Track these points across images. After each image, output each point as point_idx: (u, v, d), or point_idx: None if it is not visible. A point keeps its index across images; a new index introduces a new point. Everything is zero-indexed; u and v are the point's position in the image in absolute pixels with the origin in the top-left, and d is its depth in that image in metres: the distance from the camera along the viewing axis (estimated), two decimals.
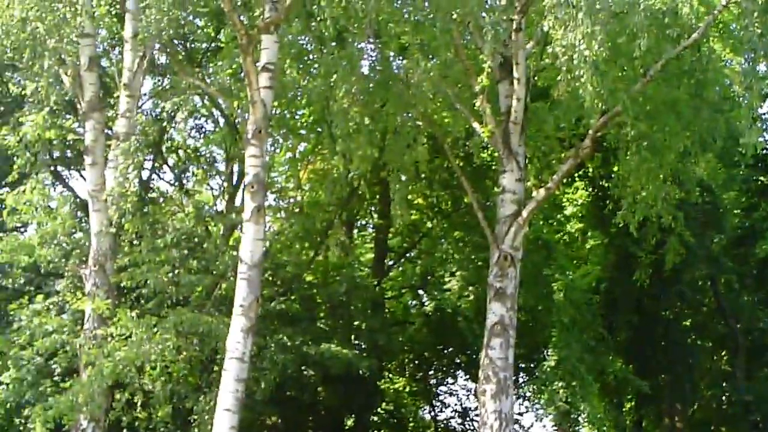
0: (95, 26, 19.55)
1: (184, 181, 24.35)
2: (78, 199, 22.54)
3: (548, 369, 24.55)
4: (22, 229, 23.20)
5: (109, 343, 17.65)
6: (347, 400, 24.26)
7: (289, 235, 23.54)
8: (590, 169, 26.30)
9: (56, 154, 22.50)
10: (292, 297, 22.18)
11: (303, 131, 24.91)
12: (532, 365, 28.64)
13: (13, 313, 19.71)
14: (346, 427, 26.57)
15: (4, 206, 20.24)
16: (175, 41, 21.88)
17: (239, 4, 18.59)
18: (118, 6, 20.25)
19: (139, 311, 18.28)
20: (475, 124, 18.70)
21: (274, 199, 25.02)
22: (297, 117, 24.65)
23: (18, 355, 19.30)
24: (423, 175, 24.07)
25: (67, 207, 20.65)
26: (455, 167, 21.14)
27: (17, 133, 19.38)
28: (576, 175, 25.89)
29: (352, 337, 24.64)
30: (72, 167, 23.89)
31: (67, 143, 21.85)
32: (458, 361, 30.48)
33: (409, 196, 23.47)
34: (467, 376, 30.57)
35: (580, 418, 26.09)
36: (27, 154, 19.37)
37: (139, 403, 18.60)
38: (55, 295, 19.74)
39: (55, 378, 19.09)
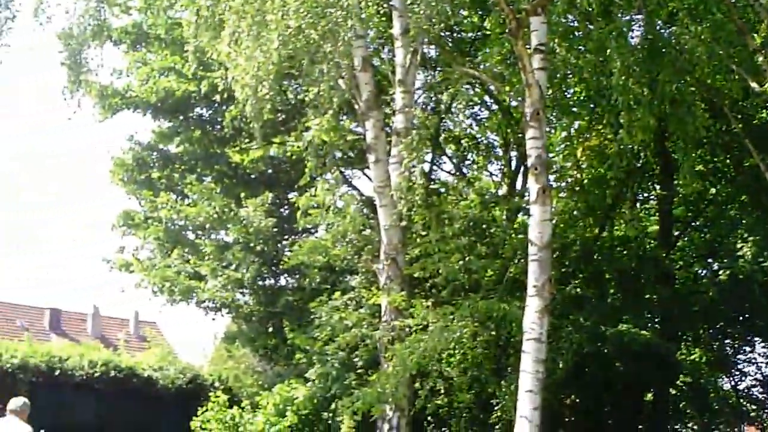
0: (365, 27, 19.96)
1: (464, 170, 24.66)
2: (363, 197, 23.16)
3: None
4: (313, 230, 24.02)
5: (407, 334, 18.01)
6: (645, 375, 23.91)
7: (574, 214, 23.47)
8: None
9: (338, 154, 23.10)
10: (581, 275, 22.11)
11: (575, 109, 24.76)
12: None
13: (314, 311, 20.43)
14: (646, 401, 26.21)
15: (297, 209, 21.05)
16: (443, 33, 22.12)
17: None
18: (384, 5, 20.66)
19: (433, 301, 18.57)
20: (753, 84, 18.10)
21: (554, 179, 25.03)
22: (568, 95, 24.52)
23: (322, 351, 20.02)
24: (704, 141, 23.49)
25: (354, 205, 21.25)
26: (737, 129, 20.55)
27: (304, 138, 20.08)
28: None
29: (644, 311, 24.31)
30: (354, 166, 24.51)
31: (349, 144, 22.41)
32: (755, 328, 29.55)
33: None
34: (765, 343, 29.65)
35: None
36: (313, 158, 20.05)
37: (441, 391, 18.94)
38: (351, 291, 20.33)
39: (359, 371, 19.67)
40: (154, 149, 26.39)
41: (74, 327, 59.33)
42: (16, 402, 15.01)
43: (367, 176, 22.66)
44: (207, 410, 21.21)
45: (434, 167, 23.71)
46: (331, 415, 20.22)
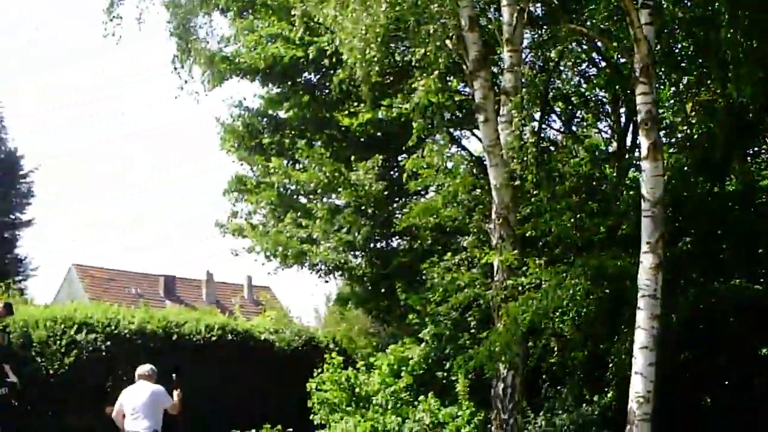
0: None
1: (573, 128, 24.48)
2: (472, 157, 23.16)
3: None
4: (423, 192, 24.14)
5: (520, 293, 18.06)
6: (759, 330, 23.61)
7: (685, 169, 23.20)
8: None
9: (447, 115, 23.08)
10: (693, 231, 21.86)
11: (684, 64, 24.41)
12: None
13: (426, 272, 20.58)
14: (761, 356, 25.88)
15: (404, 172, 21.20)
16: None
17: None
18: None
19: (546, 259, 18.56)
20: None
21: (664, 135, 24.71)
22: (676, 50, 24.19)
23: (434, 311, 20.18)
24: None
25: (463, 166, 21.31)
26: None
27: (410, 99, 20.17)
28: None
29: (758, 266, 23.94)
30: (462, 127, 24.47)
31: (456, 104, 22.41)
32: None
33: None
34: None
35: None
36: (421, 119, 20.13)
37: (555, 349, 18.97)
38: (463, 251, 20.42)
39: (472, 330, 19.79)
40: (263, 115, 26.74)
41: (189, 293, 60.47)
42: (144, 368, 15.96)
43: (475, 136, 22.65)
44: (322, 371, 21.52)
45: (543, 125, 23.59)
46: (445, 374, 20.42)
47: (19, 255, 48.64)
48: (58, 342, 20.52)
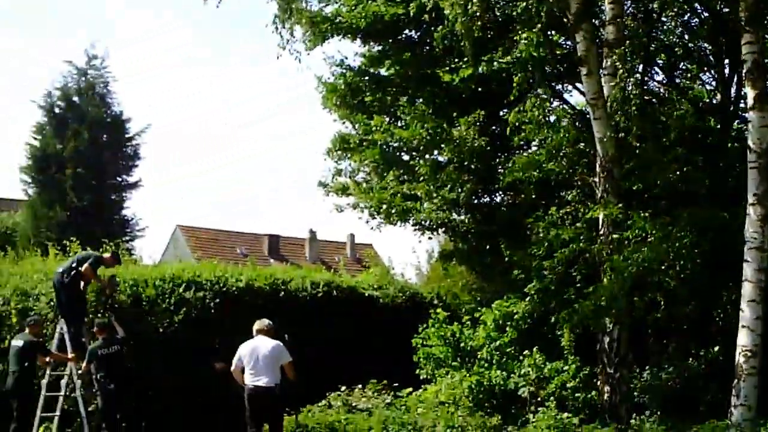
0: None
1: (676, 80, 24.15)
2: (574, 110, 22.99)
3: None
4: (526, 147, 24.01)
5: (625, 247, 17.97)
6: None
7: None
8: None
9: (548, 69, 22.90)
10: None
11: None
12: None
13: (529, 227, 20.54)
14: None
15: (509, 126, 21.16)
16: None
17: None
18: None
19: (651, 212, 18.42)
20: None
21: None
22: None
23: (539, 266, 20.15)
24: None
25: (565, 120, 21.19)
26: None
27: (512, 54, 20.08)
28: None
29: None
30: (564, 81, 24.26)
31: (559, 58, 22.23)
32: None
33: None
34: None
35: None
36: (522, 73, 20.05)
37: (660, 303, 18.85)
38: (567, 206, 20.34)
39: (577, 285, 19.73)
40: (365, 73, 26.77)
41: (292, 252, 61.14)
42: (263, 322, 16.39)
43: (578, 89, 22.46)
44: (427, 327, 21.62)
45: (646, 78, 23.30)
46: (550, 329, 20.42)
47: (127, 216, 49.60)
48: (167, 300, 20.85)
